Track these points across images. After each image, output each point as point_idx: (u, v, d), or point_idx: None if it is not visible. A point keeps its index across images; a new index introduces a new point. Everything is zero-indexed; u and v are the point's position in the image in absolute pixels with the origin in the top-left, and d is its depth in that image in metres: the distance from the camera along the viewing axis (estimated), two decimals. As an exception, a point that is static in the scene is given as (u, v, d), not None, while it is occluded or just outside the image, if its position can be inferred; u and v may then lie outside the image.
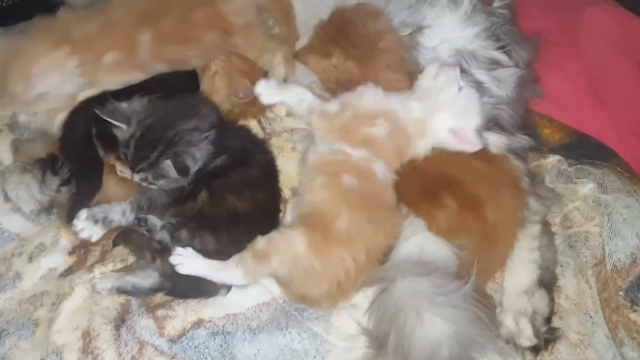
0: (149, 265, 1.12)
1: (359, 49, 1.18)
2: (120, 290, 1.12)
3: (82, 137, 1.21)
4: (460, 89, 1.12)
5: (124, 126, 1.12)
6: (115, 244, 1.20)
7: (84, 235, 1.15)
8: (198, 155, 1.12)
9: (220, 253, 1.09)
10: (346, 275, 1.06)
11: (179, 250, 1.07)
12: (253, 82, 1.30)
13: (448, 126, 1.11)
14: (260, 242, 1.06)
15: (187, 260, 1.07)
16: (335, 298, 1.10)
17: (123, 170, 1.15)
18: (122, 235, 1.18)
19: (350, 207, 1.07)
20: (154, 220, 1.16)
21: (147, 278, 1.11)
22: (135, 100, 1.16)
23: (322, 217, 1.07)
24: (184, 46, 1.31)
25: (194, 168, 1.12)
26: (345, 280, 1.07)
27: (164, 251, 1.11)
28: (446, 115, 1.11)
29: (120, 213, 1.16)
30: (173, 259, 1.06)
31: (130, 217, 1.16)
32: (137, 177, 1.13)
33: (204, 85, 1.32)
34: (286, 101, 1.18)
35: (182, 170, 1.10)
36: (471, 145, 1.10)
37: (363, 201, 1.09)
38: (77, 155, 1.21)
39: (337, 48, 1.19)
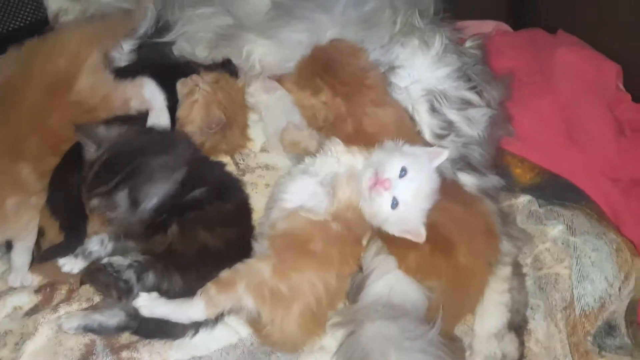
0: (115, 304, 1.10)
1: (346, 86, 1.18)
2: (87, 329, 1.09)
3: (68, 191, 1.18)
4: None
5: (93, 147, 1.11)
6: (82, 283, 1.18)
7: (65, 269, 1.12)
8: (155, 192, 1.11)
9: (188, 293, 1.07)
10: (318, 302, 1.05)
11: (142, 294, 1.05)
12: (230, 119, 1.31)
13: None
14: (224, 272, 1.04)
15: (149, 303, 1.04)
16: (309, 331, 1.07)
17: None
18: (89, 274, 1.15)
19: (327, 233, 1.07)
20: (120, 261, 1.13)
21: (113, 317, 1.09)
22: (114, 127, 1.15)
23: (296, 238, 1.07)
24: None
25: (146, 205, 1.10)
26: (317, 309, 1.05)
27: (130, 291, 1.08)
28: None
29: (98, 243, 1.14)
30: (136, 303, 1.04)
31: (109, 247, 1.13)
32: (92, 203, 1.11)
33: (181, 112, 1.30)
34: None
35: (133, 202, 1.08)
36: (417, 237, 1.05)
37: (339, 236, 1.09)
38: (63, 210, 1.17)
39: (325, 85, 1.18)
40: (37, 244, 1.18)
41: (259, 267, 1.05)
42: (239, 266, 1.06)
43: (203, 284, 1.06)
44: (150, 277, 1.08)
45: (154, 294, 1.05)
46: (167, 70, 1.36)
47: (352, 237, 1.12)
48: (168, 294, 1.07)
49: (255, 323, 1.09)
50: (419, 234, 1.04)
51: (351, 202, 1.09)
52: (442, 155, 1.08)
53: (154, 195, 1.11)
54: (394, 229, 1.06)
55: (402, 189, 1.04)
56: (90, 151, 1.12)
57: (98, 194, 1.10)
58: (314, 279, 1.05)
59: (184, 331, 1.09)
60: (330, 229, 1.08)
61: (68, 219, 1.16)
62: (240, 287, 1.03)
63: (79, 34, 1.25)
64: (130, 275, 1.09)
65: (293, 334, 1.05)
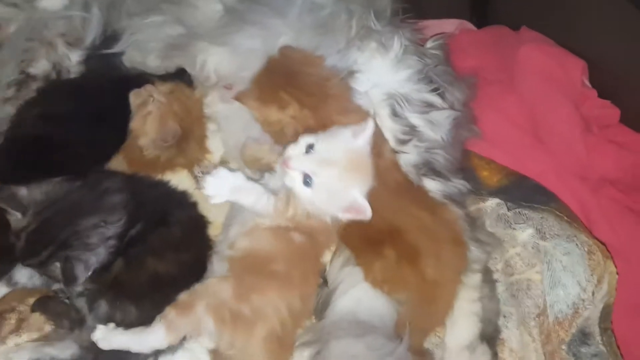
0: (67, 335, 1.06)
1: (312, 97, 1.12)
2: None
3: None
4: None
5: (18, 215, 1.04)
6: (33, 311, 1.11)
7: None
8: (93, 261, 1.03)
9: (144, 322, 1.01)
10: (282, 325, 1.00)
11: (100, 326, 0.99)
12: (187, 131, 1.26)
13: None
14: (182, 295, 1.00)
15: (106, 335, 0.99)
16: (275, 355, 1.02)
17: None
18: (40, 303, 1.11)
19: (289, 248, 1.04)
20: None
21: (66, 349, 1.04)
22: (40, 186, 1.07)
23: (256, 259, 1.03)
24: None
25: (84, 276, 1.02)
26: (282, 332, 1.01)
27: (83, 321, 1.04)
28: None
29: (26, 277, 1.10)
30: (93, 336, 0.98)
31: (37, 281, 1.09)
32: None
33: (134, 124, 1.24)
34: (239, 202, 1.06)
35: (69, 278, 1.01)
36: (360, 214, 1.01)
37: (301, 252, 1.05)
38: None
39: (291, 98, 1.11)
40: None
41: (218, 287, 1.01)
42: (198, 287, 1.02)
43: (161, 310, 1.01)
44: (102, 307, 1.04)
45: (111, 325, 1.00)
46: (119, 81, 1.31)
47: (315, 250, 1.09)
48: (123, 324, 1.01)
49: (216, 352, 1.04)
50: (361, 209, 0.99)
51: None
52: (368, 129, 1.03)
53: (93, 264, 1.03)
54: (332, 211, 1.02)
55: (308, 164, 0.99)
56: (16, 218, 1.04)
57: (31, 265, 1.05)
58: (276, 301, 1.00)
59: None
60: (292, 241, 1.04)
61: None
62: (200, 308, 0.98)
63: None
64: (82, 304, 1.05)
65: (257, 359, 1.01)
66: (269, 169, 1.13)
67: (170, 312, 0.98)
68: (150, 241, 1.07)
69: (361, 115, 1.12)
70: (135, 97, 1.25)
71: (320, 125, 1.09)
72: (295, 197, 1.03)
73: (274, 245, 1.04)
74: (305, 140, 1.02)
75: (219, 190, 1.02)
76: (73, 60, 1.36)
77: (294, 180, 1.00)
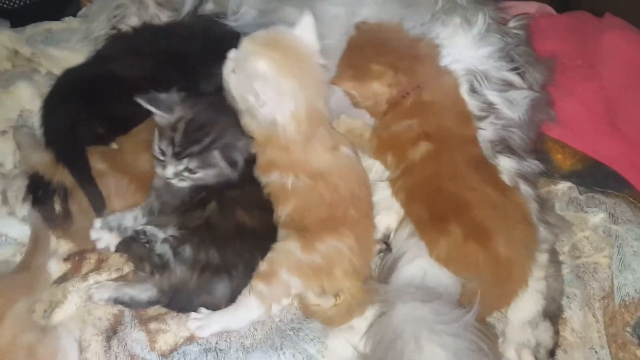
0: (147, 279, 1.10)
1: (405, 59, 1.13)
2: (117, 301, 1.09)
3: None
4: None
5: (165, 113, 1.10)
6: (116, 251, 1.17)
7: (101, 245, 1.15)
8: (243, 150, 1.11)
9: (225, 269, 1.07)
10: (351, 261, 1.06)
11: (192, 314, 1.06)
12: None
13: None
14: (262, 265, 1.05)
15: (204, 322, 1.05)
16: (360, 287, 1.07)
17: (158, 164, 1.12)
18: (124, 243, 1.16)
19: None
20: (154, 231, 1.13)
21: (145, 291, 1.09)
22: (172, 93, 1.14)
23: (301, 216, 1.07)
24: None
25: (241, 162, 1.10)
26: (357, 266, 1.07)
27: (164, 267, 1.08)
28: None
29: (132, 219, 1.15)
30: (190, 325, 1.05)
31: (142, 221, 1.14)
32: (178, 167, 1.11)
33: None
34: None
35: (232, 163, 1.09)
36: None
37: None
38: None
39: (384, 66, 1.12)
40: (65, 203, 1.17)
41: (287, 248, 1.06)
42: (272, 255, 1.06)
43: (238, 261, 1.07)
44: (187, 251, 1.08)
45: (202, 312, 1.06)
46: (214, 37, 1.35)
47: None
48: (206, 268, 1.07)
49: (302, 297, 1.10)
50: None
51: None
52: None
53: (242, 155, 1.11)
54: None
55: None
56: (164, 117, 1.11)
57: (191, 155, 1.10)
58: (334, 243, 1.05)
59: (216, 308, 1.08)
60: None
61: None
62: (283, 272, 1.04)
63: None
64: (165, 249, 1.09)
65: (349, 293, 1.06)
66: (361, 140, 1.18)
67: (257, 284, 1.04)
68: (244, 191, 1.12)
69: (452, 76, 1.14)
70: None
71: (416, 87, 1.11)
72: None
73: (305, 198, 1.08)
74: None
75: None
76: (162, 20, 1.40)
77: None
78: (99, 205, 1.15)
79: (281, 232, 1.11)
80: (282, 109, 1.04)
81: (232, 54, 1.08)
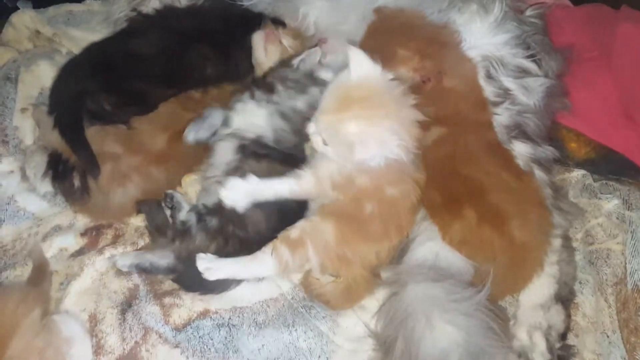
0: (167, 245, 1.12)
1: (433, 45, 1.15)
2: (139, 268, 1.12)
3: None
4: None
5: None
6: (137, 212, 1.20)
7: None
8: None
9: (247, 247, 1.06)
10: (371, 264, 1.06)
11: (201, 255, 1.04)
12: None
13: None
14: (294, 231, 1.03)
15: (213, 265, 1.03)
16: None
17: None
18: (146, 205, 1.19)
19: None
20: (180, 199, 1.16)
21: (164, 258, 1.11)
22: None
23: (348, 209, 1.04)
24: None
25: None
26: (370, 267, 1.06)
27: (185, 233, 1.09)
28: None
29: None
30: (199, 265, 1.02)
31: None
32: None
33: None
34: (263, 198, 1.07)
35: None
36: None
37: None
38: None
39: (412, 51, 1.13)
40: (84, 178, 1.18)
41: (322, 228, 1.03)
42: (305, 226, 1.04)
43: (272, 236, 1.04)
44: (213, 221, 1.08)
45: (211, 256, 1.04)
46: (236, 17, 1.37)
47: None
48: (227, 241, 1.08)
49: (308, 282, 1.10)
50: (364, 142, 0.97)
51: None
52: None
53: None
54: (353, 157, 0.98)
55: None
56: None
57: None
58: (372, 250, 1.04)
59: (227, 286, 1.09)
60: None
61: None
62: (310, 247, 1.02)
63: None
64: (190, 217, 1.10)
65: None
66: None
67: (283, 248, 1.02)
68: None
69: (472, 63, 1.15)
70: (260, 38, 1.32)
71: (437, 73, 1.12)
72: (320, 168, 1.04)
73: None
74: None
75: (236, 199, 1.05)
76: (182, 2, 1.41)
77: (318, 143, 1.02)
78: (94, 170, 1.15)
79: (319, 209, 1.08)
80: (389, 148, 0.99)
81: (311, 129, 1.03)
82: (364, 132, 0.96)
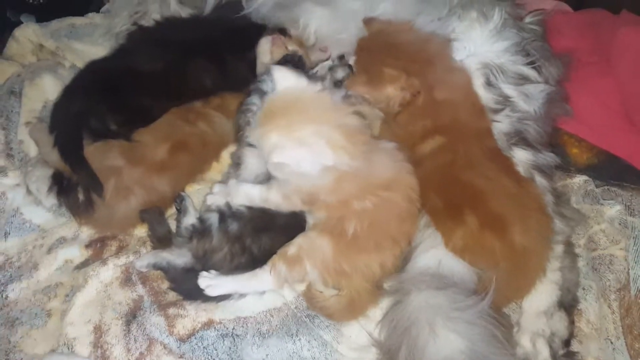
0: (185, 244, 1.13)
1: (416, 63, 1.15)
2: (157, 267, 1.14)
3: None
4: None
5: None
6: (141, 220, 1.21)
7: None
8: None
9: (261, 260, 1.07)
10: (374, 276, 1.06)
11: (203, 273, 1.07)
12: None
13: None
14: (291, 247, 1.05)
15: (214, 282, 1.06)
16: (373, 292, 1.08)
17: None
18: (149, 214, 1.20)
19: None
20: (189, 205, 1.18)
21: (181, 257, 1.12)
22: None
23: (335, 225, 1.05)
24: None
25: None
26: (372, 280, 1.06)
27: (204, 232, 1.10)
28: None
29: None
30: (201, 283, 1.05)
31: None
32: None
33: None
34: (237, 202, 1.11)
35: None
36: None
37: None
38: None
39: (397, 71, 1.14)
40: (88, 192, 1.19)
41: (320, 243, 1.04)
42: (301, 242, 1.06)
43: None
44: (234, 225, 1.09)
45: (213, 273, 1.07)
46: (238, 27, 1.39)
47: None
48: (244, 249, 1.09)
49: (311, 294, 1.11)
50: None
51: None
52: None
53: None
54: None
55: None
56: None
57: None
58: (369, 262, 1.05)
59: (228, 296, 1.10)
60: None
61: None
62: (307, 263, 1.04)
63: None
64: (210, 216, 1.11)
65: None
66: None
67: (280, 265, 1.04)
68: None
69: (464, 72, 1.16)
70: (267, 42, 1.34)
71: (428, 87, 1.12)
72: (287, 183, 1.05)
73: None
74: None
75: (215, 198, 1.12)
76: (183, 14, 1.43)
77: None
78: (97, 188, 1.16)
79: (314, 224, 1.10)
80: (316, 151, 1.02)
81: None
82: (282, 138, 1.01)
